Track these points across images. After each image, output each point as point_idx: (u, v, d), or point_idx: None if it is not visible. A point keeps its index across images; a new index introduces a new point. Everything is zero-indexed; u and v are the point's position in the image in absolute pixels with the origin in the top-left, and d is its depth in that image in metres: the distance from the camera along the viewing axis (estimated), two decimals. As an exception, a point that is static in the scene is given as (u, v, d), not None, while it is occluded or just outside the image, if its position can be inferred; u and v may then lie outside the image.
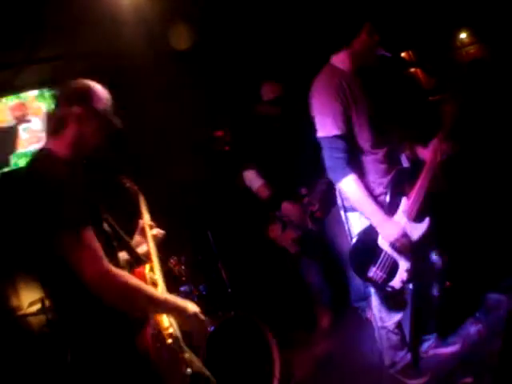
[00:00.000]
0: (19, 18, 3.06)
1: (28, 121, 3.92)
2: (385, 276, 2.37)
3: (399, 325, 2.59)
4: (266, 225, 3.58)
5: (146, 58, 3.87)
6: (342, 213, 2.57)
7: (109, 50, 3.73)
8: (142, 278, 1.77)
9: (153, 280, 1.83)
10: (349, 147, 2.35)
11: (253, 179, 3.54)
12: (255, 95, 3.57)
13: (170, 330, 1.72)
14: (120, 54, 3.78)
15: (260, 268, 4.02)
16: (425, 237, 2.41)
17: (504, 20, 4.67)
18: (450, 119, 2.47)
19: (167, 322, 1.74)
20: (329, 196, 3.15)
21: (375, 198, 2.39)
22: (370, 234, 2.38)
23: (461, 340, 2.75)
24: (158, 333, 1.66)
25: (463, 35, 6.48)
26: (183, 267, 3.27)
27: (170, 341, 1.67)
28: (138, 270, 1.82)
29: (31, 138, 3.90)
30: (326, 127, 2.35)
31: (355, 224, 2.49)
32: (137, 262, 1.90)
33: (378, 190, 2.44)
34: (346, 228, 2.56)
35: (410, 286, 2.59)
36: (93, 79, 1.82)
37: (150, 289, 1.68)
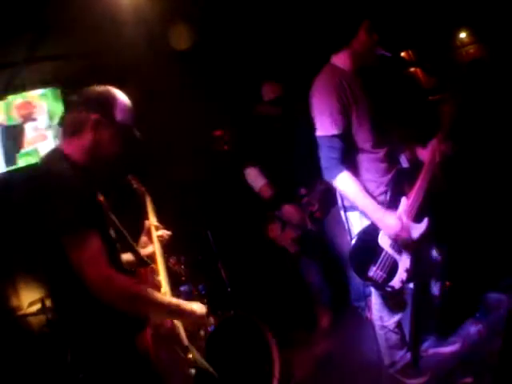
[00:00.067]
0: (19, 18, 3.06)
1: (34, 119, 3.93)
2: (385, 276, 2.37)
3: (399, 324, 2.59)
4: (266, 224, 3.58)
5: (145, 58, 3.87)
6: (342, 213, 2.57)
7: (109, 50, 3.73)
8: (146, 280, 1.77)
9: (156, 282, 1.82)
10: (346, 147, 2.35)
11: (255, 177, 3.53)
12: (256, 95, 3.57)
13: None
14: (120, 54, 3.78)
15: (260, 268, 4.02)
16: (424, 236, 2.41)
17: (504, 20, 4.67)
18: (449, 119, 2.47)
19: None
20: (328, 196, 3.14)
21: (375, 197, 2.38)
22: (370, 234, 2.39)
23: (461, 339, 2.75)
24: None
25: (463, 35, 6.46)
26: (183, 267, 3.28)
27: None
28: (141, 271, 1.81)
29: (37, 137, 3.91)
30: (325, 126, 2.35)
31: (355, 223, 2.49)
32: (141, 263, 1.90)
33: (378, 189, 2.44)
34: (346, 228, 2.55)
35: (410, 285, 2.60)
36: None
37: (152, 293, 1.64)
